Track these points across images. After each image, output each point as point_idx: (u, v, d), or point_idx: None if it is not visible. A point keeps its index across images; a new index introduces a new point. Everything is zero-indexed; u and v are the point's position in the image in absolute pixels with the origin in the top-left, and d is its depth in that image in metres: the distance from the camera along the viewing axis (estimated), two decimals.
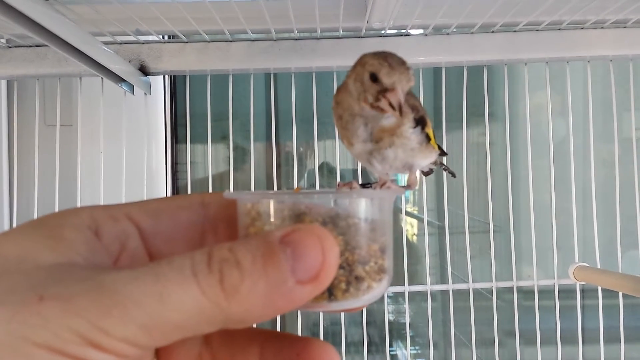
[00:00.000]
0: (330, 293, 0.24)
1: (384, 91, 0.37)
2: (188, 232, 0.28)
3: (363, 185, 0.38)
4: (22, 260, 0.21)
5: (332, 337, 0.87)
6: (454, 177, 0.61)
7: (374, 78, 0.37)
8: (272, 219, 0.25)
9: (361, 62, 0.39)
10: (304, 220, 0.25)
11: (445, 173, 0.60)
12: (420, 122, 0.41)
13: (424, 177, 0.58)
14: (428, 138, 0.42)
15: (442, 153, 0.51)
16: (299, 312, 0.82)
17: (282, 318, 1.00)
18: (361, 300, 0.25)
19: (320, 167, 0.82)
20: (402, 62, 0.37)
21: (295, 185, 0.82)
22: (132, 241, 0.26)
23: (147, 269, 0.20)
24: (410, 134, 0.40)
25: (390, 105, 0.37)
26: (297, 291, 0.21)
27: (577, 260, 0.80)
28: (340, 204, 0.25)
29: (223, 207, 0.28)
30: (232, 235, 0.28)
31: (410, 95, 0.41)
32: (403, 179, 0.49)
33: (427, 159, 0.43)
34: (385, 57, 0.38)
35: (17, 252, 0.22)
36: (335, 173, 0.82)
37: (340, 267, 0.24)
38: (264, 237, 0.22)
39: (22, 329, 0.18)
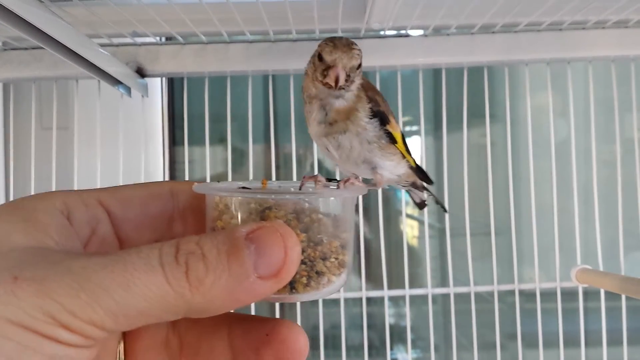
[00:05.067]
0: (292, 286, 0.26)
1: (327, 68, 0.40)
2: (157, 220, 0.29)
3: (328, 180, 0.38)
4: None
5: (333, 340, 0.86)
6: (445, 212, 0.62)
7: (320, 58, 0.41)
8: (238, 213, 0.26)
9: (319, 45, 0.42)
10: (270, 215, 0.26)
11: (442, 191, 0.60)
12: (378, 115, 0.42)
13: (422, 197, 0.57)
14: (392, 138, 0.43)
15: (426, 179, 0.50)
16: (298, 316, 0.82)
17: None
18: (321, 292, 0.27)
19: (319, 168, 0.81)
20: (346, 44, 0.41)
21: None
22: (102, 226, 0.27)
23: (116, 257, 0.21)
24: (366, 123, 0.42)
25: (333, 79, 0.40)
26: (259, 285, 0.23)
27: (579, 261, 0.80)
28: (305, 201, 0.27)
29: (192, 197, 0.29)
30: (199, 224, 0.29)
31: (373, 90, 0.44)
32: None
33: (389, 160, 0.44)
34: (332, 39, 0.41)
35: None
36: (333, 174, 0.82)
37: (303, 262, 0.26)
38: (230, 232, 0.23)
39: None
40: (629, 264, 0.79)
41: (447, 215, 0.79)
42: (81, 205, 0.27)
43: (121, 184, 0.30)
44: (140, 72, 0.76)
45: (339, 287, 0.28)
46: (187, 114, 0.80)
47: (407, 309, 0.82)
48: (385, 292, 0.80)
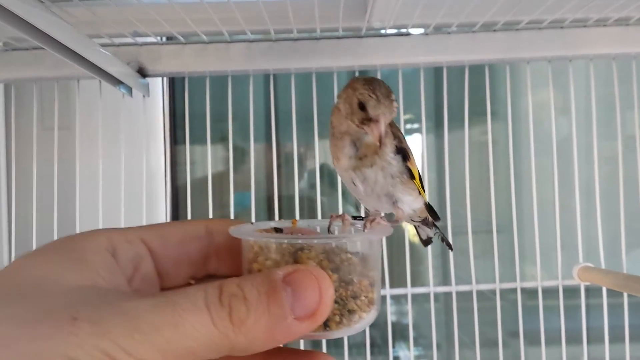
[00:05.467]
0: (326, 324, 0.27)
1: (369, 120, 0.41)
2: (194, 257, 0.31)
3: (354, 218, 0.39)
4: (52, 282, 0.24)
5: (334, 338, 0.87)
6: (451, 249, 0.63)
7: (362, 107, 0.41)
8: (272, 254, 0.28)
9: (352, 86, 0.42)
10: (302, 256, 0.28)
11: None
12: (401, 152, 0.44)
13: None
14: (411, 174, 0.45)
15: (434, 215, 0.52)
16: None
17: None
18: (352, 329, 0.29)
19: (320, 168, 0.82)
20: (388, 94, 0.41)
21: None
22: (144, 263, 0.29)
23: (165, 299, 0.23)
24: (391, 158, 0.44)
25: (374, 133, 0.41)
26: (295, 326, 0.24)
27: (581, 259, 0.80)
28: (336, 243, 0.29)
29: (227, 236, 0.31)
30: (233, 261, 0.31)
31: (396, 127, 0.45)
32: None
33: (408, 195, 0.46)
34: (374, 88, 0.41)
35: (46, 273, 0.24)
36: (334, 174, 0.82)
37: (335, 301, 0.27)
38: (268, 275, 0.25)
39: (60, 346, 0.21)
40: (631, 261, 0.79)
41: (448, 214, 0.79)
42: (125, 243, 0.28)
43: (161, 222, 0.32)
44: (142, 72, 0.76)
45: (369, 322, 0.30)
46: (189, 114, 0.80)
47: (409, 307, 0.82)
48: (387, 291, 0.80)
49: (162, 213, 1.00)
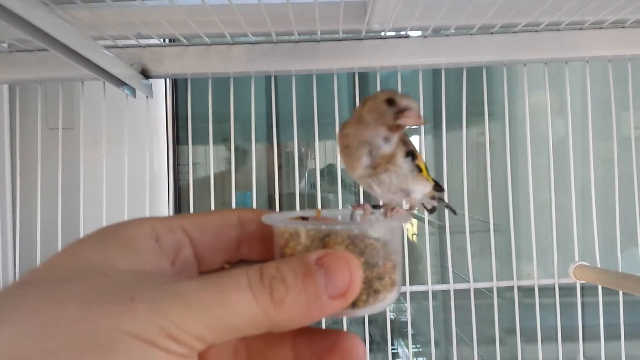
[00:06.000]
0: (354, 303, 0.30)
1: (401, 111, 0.44)
2: (227, 243, 0.33)
3: (374, 207, 0.42)
4: (105, 265, 0.26)
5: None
6: (455, 214, 0.66)
7: (391, 102, 0.44)
8: (302, 240, 0.31)
9: (372, 97, 0.46)
10: (329, 242, 0.30)
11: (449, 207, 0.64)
12: (410, 154, 0.48)
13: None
14: (419, 169, 0.49)
15: (439, 189, 0.56)
16: None
17: None
18: (377, 307, 0.31)
19: (321, 171, 0.83)
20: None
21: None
22: (184, 249, 0.31)
23: (212, 280, 0.25)
24: (402, 162, 0.47)
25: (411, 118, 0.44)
26: (329, 304, 0.27)
27: (577, 258, 0.81)
28: (359, 229, 0.31)
29: (257, 224, 0.33)
30: (263, 247, 0.34)
31: (403, 133, 0.48)
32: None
33: (419, 185, 0.50)
34: (394, 90, 0.46)
35: (98, 258, 0.26)
36: (336, 174, 0.83)
37: (362, 282, 0.29)
38: (302, 258, 0.27)
39: (119, 323, 0.23)
40: (626, 260, 0.80)
41: (446, 213, 0.80)
42: (167, 231, 0.30)
43: (198, 212, 0.34)
44: (145, 74, 0.77)
45: (392, 301, 0.32)
46: (191, 114, 0.81)
47: (407, 305, 0.83)
48: None
49: (164, 212, 1.01)
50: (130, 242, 0.28)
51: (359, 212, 0.40)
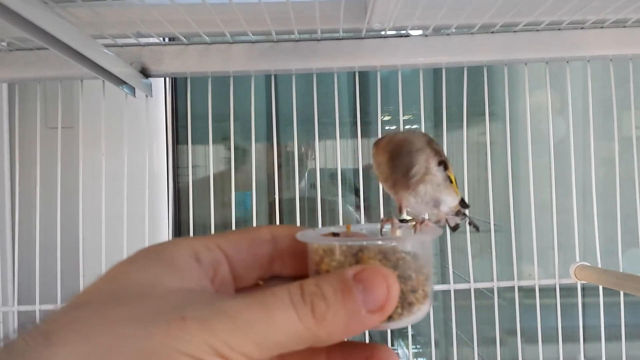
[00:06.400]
0: (389, 316, 0.30)
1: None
2: (261, 260, 0.34)
3: (402, 221, 0.43)
4: (154, 285, 0.27)
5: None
6: (478, 231, 0.67)
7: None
8: (337, 256, 0.31)
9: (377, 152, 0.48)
10: (362, 257, 0.31)
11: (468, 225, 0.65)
12: (441, 164, 0.49)
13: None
14: (450, 180, 0.50)
15: (464, 205, 0.57)
16: None
17: None
18: (411, 319, 0.32)
19: (321, 171, 0.83)
20: (405, 172, 0.47)
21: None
22: (222, 267, 0.32)
23: (256, 299, 0.26)
24: (436, 170, 0.48)
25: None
26: (368, 319, 0.27)
27: (577, 258, 0.81)
28: (392, 244, 0.32)
29: (289, 240, 0.34)
30: (295, 263, 0.34)
31: (434, 142, 0.50)
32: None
33: (449, 197, 0.51)
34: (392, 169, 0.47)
35: (149, 278, 0.27)
36: (336, 175, 0.82)
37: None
38: (340, 275, 0.28)
39: (172, 342, 0.24)
40: (627, 260, 0.80)
41: None
42: (205, 250, 0.31)
43: (231, 230, 0.35)
44: (145, 72, 0.77)
45: (426, 313, 0.33)
46: (191, 113, 0.81)
47: None
48: None
49: (164, 211, 1.01)
50: (173, 262, 0.29)
51: (387, 226, 0.41)
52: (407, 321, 0.32)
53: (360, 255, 0.31)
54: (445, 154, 0.78)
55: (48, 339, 0.23)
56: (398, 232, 0.41)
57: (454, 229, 0.63)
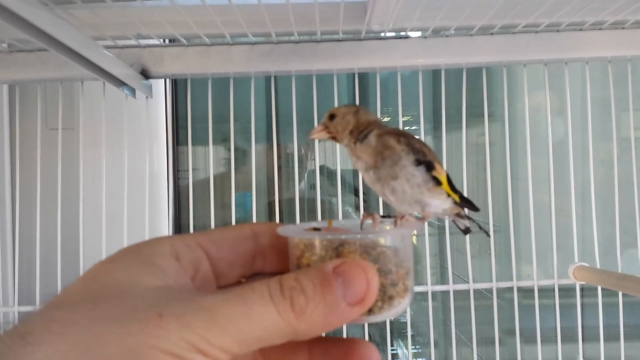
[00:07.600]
0: (369, 310, 0.30)
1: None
2: (243, 257, 0.34)
3: (384, 216, 0.43)
4: (133, 284, 0.27)
5: (334, 335, 0.88)
6: (489, 236, 0.66)
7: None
8: (317, 250, 0.32)
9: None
10: (343, 251, 0.31)
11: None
12: (423, 163, 0.48)
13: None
14: (437, 182, 0.49)
15: (470, 207, 0.56)
16: None
17: None
18: (392, 312, 0.32)
19: (320, 169, 0.83)
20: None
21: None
22: (203, 265, 0.32)
23: (235, 294, 0.26)
24: (413, 169, 0.48)
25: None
26: (347, 311, 0.27)
27: (576, 259, 0.81)
28: (371, 237, 0.32)
29: (271, 237, 0.34)
30: (278, 259, 0.35)
31: (419, 142, 0.49)
32: None
33: (435, 199, 0.50)
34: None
35: (127, 277, 0.27)
36: (335, 175, 0.83)
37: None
38: (320, 268, 0.28)
39: (150, 339, 0.24)
40: (626, 261, 0.80)
41: None
42: (185, 248, 0.32)
43: (213, 228, 0.35)
44: (145, 74, 0.77)
45: (406, 307, 0.33)
46: (191, 115, 0.81)
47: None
48: None
49: (164, 212, 1.01)
50: (152, 261, 0.29)
51: (368, 221, 0.42)
52: (387, 315, 0.32)
53: (341, 249, 0.31)
54: (444, 155, 0.79)
55: (24, 339, 0.23)
56: (379, 228, 0.41)
57: (465, 232, 0.62)
